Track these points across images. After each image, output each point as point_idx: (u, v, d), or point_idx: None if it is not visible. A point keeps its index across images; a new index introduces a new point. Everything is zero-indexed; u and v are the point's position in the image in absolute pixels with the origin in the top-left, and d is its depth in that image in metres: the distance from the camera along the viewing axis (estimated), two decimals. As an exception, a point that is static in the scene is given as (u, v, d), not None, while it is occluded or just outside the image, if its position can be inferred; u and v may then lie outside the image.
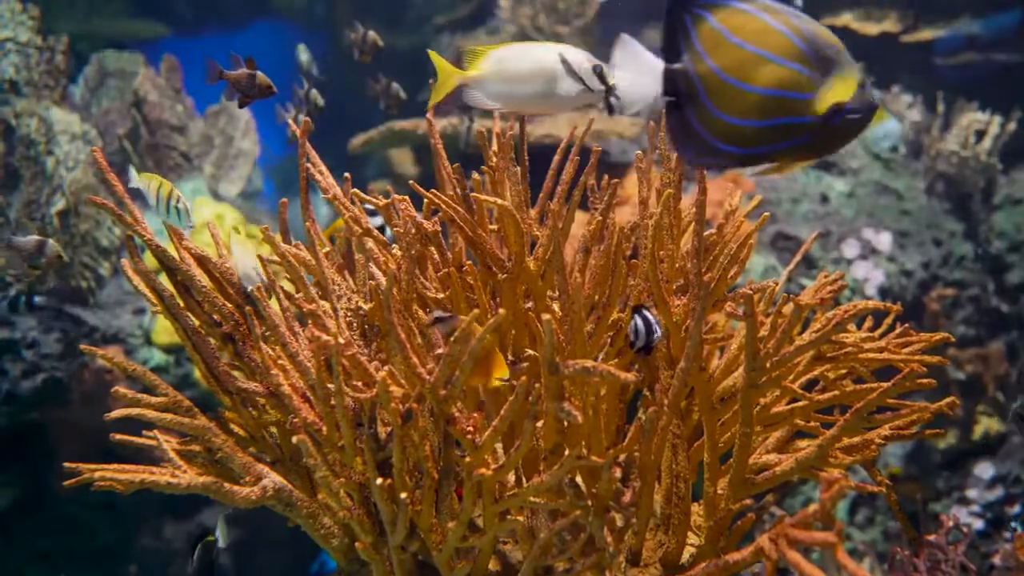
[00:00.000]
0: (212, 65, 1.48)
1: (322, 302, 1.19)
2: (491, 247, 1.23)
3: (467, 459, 1.00)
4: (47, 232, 2.76)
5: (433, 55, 1.25)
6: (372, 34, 2.44)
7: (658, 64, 0.94)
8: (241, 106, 1.49)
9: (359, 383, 1.06)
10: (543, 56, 1.22)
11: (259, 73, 1.47)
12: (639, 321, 1.11)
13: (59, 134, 2.96)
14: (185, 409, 1.18)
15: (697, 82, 0.93)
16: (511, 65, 1.22)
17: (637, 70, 0.97)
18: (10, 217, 2.80)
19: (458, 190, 1.26)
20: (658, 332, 1.12)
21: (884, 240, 3.26)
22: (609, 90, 1.21)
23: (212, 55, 1.50)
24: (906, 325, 1.25)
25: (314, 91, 2.35)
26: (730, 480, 1.11)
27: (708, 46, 0.92)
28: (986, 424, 3.21)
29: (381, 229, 1.43)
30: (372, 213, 1.45)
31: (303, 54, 2.87)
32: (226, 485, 1.11)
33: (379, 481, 1.03)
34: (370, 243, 1.27)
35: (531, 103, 1.24)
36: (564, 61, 1.20)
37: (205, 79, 1.48)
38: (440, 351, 1.00)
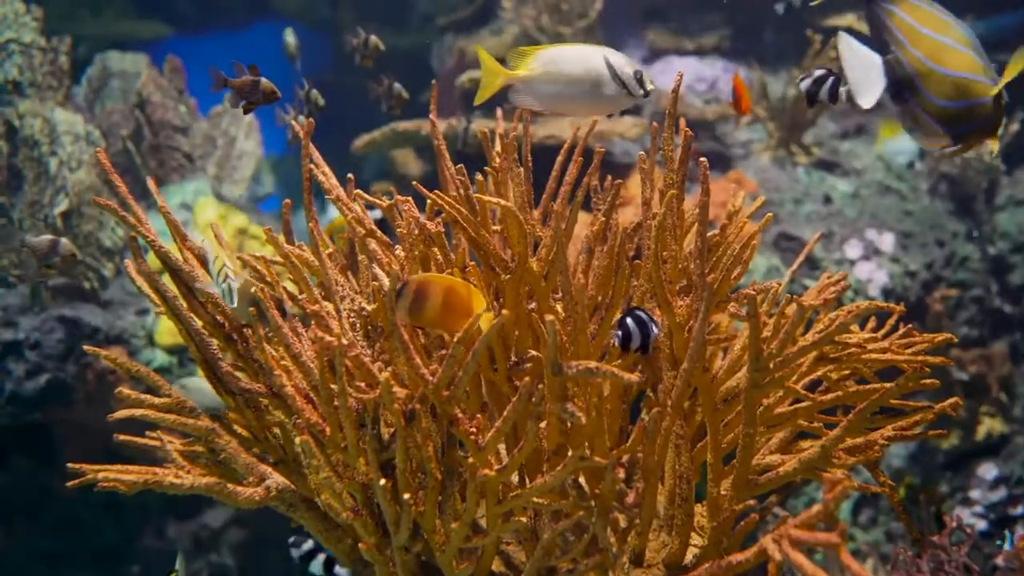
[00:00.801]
0: (216, 73, 1.49)
1: (325, 303, 1.19)
2: (494, 248, 1.23)
3: (470, 460, 1.00)
4: (58, 231, 2.77)
5: (481, 53, 1.26)
6: (374, 39, 2.44)
7: (876, 58, 1.06)
8: (246, 112, 1.50)
9: (362, 384, 1.06)
10: (591, 60, 1.24)
11: (263, 79, 1.49)
12: (629, 322, 1.11)
13: (63, 135, 2.97)
14: (188, 410, 1.19)
15: (910, 68, 1.05)
16: (560, 67, 1.24)
17: (863, 65, 1.08)
18: (13, 218, 2.80)
19: (461, 191, 1.26)
20: (654, 331, 1.12)
21: (887, 241, 3.26)
22: (647, 95, 1.24)
23: (215, 56, 1.51)
24: (909, 326, 1.25)
25: (314, 91, 2.35)
26: (733, 481, 1.11)
27: (908, 37, 1.04)
28: (989, 425, 3.20)
29: (380, 222, 1.44)
30: (369, 207, 1.46)
31: (290, 36, 2.86)
32: (229, 486, 1.12)
33: (382, 482, 1.03)
34: (373, 244, 1.27)
35: (576, 105, 1.26)
36: (609, 65, 1.23)
37: (210, 87, 1.50)
38: (443, 352, 1.00)
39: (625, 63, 1.24)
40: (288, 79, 2.15)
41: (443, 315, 1.04)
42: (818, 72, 1.52)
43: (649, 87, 1.26)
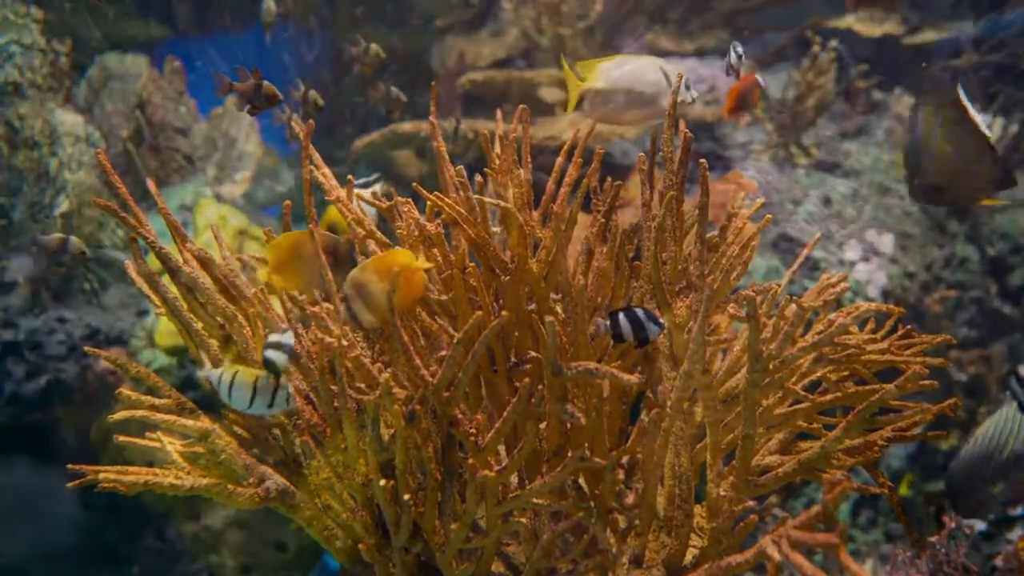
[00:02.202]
0: (221, 78, 1.54)
1: (325, 304, 1.19)
2: (494, 249, 1.23)
3: (470, 461, 1.00)
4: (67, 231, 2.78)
5: (566, 67, 1.37)
6: (374, 47, 2.46)
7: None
8: (252, 115, 1.55)
9: (362, 385, 1.06)
10: (652, 71, 1.37)
11: (265, 83, 1.54)
12: (621, 317, 1.11)
13: (63, 136, 2.97)
14: (188, 411, 1.19)
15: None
16: (627, 79, 1.37)
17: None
18: (14, 219, 2.80)
19: (461, 192, 1.26)
20: (652, 330, 1.11)
21: (886, 242, 3.26)
22: (694, 102, 1.38)
23: (215, 57, 1.56)
24: (908, 327, 1.26)
25: (313, 92, 2.36)
26: (733, 482, 1.11)
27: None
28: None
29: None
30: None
31: (270, 2, 2.86)
32: (229, 487, 1.12)
33: (382, 483, 1.03)
34: (373, 245, 1.28)
35: (640, 113, 1.38)
36: (666, 75, 1.36)
37: (216, 92, 1.55)
38: (442, 353, 1.00)
39: (675, 73, 1.34)
40: (289, 80, 2.15)
41: (398, 297, 1.05)
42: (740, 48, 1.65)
43: (695, 95, 1.38)
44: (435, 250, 1.24)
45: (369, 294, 1.04)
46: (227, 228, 3.17)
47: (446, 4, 4.69)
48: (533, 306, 1.26)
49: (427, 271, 1.24)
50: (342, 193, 1.31)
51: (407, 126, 3.41)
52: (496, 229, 1.28)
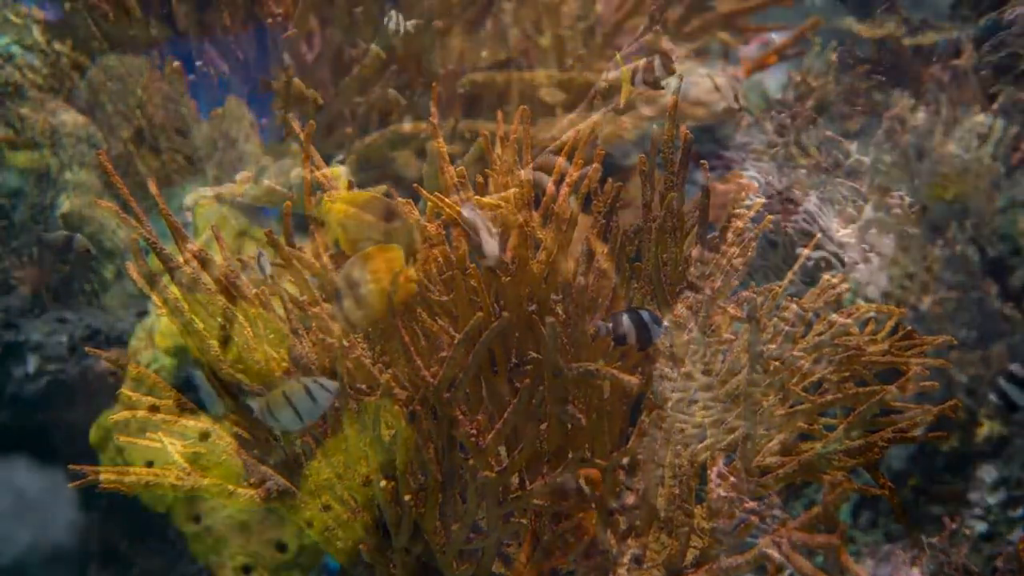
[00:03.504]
0: (263, 80, 1.65)
1: (326, 304, 1.19)
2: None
3: (471, 461, 1.00)
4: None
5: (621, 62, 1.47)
6: (375, 48, 2.47)
7: None
8: (280, 108, 1.66)
9: (363, 385, 1.06)
10: (702, 75, 1.44)
11: (296, 80, 1.64)
12: (625, 318, 1.10)
13: (64, 136, 2.97)
14: (188, 411, 1.19)
15: None
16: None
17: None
18: (15, 220, 2.80)
19: (461, 193, 1.26)
20: (656, 331, 1.11)
21: (886, 242, 3.26)
22: (741, 109, 1.43)
23: (215, 58, 1.65)
24: (908, 328, 1.26)
25: (312, 91, 2.37)
26: (733, 482, 1.11)
27: None
28: (989, 427, 3.20)
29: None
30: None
31: None
32: (230, 487, 1.12)
33: (383, 483, 1.03)
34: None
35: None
36: (712, 79, 1.47)
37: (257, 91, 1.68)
38: (444, 354, 1.00)
39: (726, 79, 1.45)
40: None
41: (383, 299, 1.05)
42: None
43: (744, 102, 1.46)
44: (435, 250, 1.24)
45: (359, 296, 1.04)
46: (228, 229, 3.17)
47: (446, 4, 4.68)
48: (534, 307, 1.26)
49: (426, 272, 1.24)
50: (344, 194, 1.31)
51: (407, 127, 3.41)
52: (497, 230, 1.28)
